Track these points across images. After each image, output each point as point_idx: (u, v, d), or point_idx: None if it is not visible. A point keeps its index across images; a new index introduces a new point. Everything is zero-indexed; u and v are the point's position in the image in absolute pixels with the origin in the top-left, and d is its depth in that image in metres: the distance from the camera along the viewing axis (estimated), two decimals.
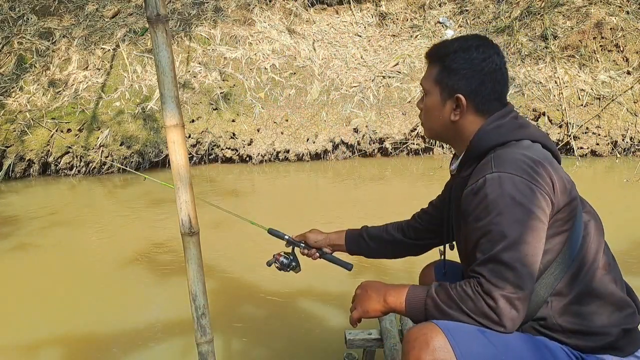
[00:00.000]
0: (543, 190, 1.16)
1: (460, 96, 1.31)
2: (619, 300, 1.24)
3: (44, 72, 6.35)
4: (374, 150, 6.29)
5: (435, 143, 6.23)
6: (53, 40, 6.66)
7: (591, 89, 6.19)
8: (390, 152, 6.27)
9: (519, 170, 1.17)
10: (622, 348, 1.22)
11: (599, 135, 6.03)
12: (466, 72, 1.31)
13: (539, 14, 6.91)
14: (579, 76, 6.31)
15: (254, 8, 7.25)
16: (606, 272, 1.26)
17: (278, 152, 6.15)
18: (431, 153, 6.32)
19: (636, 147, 6.01)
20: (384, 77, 6.62)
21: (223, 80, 6.45)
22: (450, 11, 7.44)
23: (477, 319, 1.11)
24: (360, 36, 7.31)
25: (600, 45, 6.47)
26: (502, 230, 1.13)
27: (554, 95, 6.20)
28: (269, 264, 1.81)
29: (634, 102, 6.11)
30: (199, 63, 6.55)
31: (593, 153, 6.08)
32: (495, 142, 1.27)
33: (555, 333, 1.22)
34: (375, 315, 1.30)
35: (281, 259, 1.77)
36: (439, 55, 1.36)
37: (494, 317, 1.10)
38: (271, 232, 1.87)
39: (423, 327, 1.14)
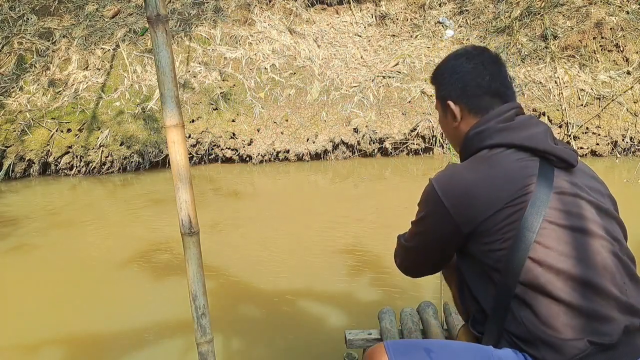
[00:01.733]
0: (447, 207, 1.24)
1: (449, 102, 1.37)
2: (587, 310, 1.14)
3: (44, 72, 6.35)
4: (374, 150, 6.29)
5: (435, 143, 6.23)
6: (53, 40, 6.66)
7: (591, 89, 6.19)
8: (390, 152, 6.27)
9: (439, 182, 1.27)
10: None
11: (599, 135, 6.04)
12: (449, 78, 1.38)
13: (539, 14, 6.91)
14: (579, 76, 6.31)
15: (254, 8, 7.25)
16: (570, 280, 1.16)
17: (278, 152, 6.15)
18: (431, 153, 6.32)
19: (636, 147, 6.01)
20: (384, 77, 6.62)
21: (223, 80, 6.45)
22: (450, 11, 7.45)
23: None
24: (360, 36, 7.31)
25: (600, 45, 6.47)
26: (411, 226, 1.39)
27: (554, 95, 6.20)
28: None
29: (634, 102, 6.11)
30: (199, 63, 6.55)
31: (593, 153, 6.08)
32: (474, 149, 1.31)
33: (525, 344, 1.17)
34: None
35: None
36: (433, 75, 1.45)
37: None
38: None
39: (373, 349, 1.27)
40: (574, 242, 1.19)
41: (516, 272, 1.17)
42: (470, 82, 1.34)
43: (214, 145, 6.16)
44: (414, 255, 1.43)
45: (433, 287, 2.81)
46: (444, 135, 1.57)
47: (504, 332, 1.21)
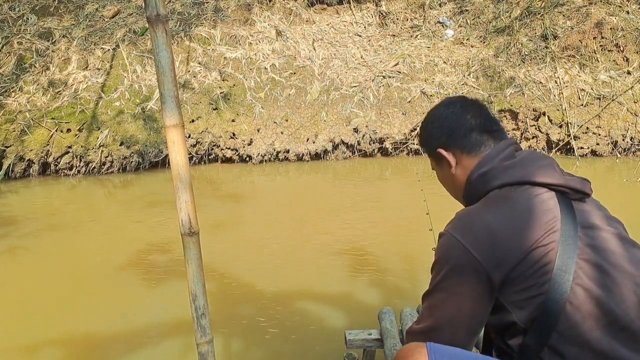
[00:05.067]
0: (475, 256, 1.11)
1: (440, 150, 1.34)
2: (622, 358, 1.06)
3: (43, 72, 6.34)
4: (374, 150, 6.28)
5: None
6: (53, 40, 6.66)
7: (591, 88, 6.19)
8: (390, 152, 6.27)
9: (458, 230, 1.15)
10: None
11: (599, 135, 6.03)
12: (433, 129, 1.36)
13: (539, 13, 6.91)
14: (579, 76, 6.31)
15: (254, 8, 7.25)
16: (609, 327, 1.07)
17: (278, 152, 6.15)
18: None
19: (636, 147, 6.01)
20: (384, 77, 6.61)
21: (223, 80, 6.44)
22: (450, 11, 7.44)
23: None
24: (360, 36, 7.31)
25: (601, 45, 6.47)
26: (427, 300, 1.20)
27: (554, 95, 6.19)
28: None
29: (634, 102, 6.11)
30: (199, 63, 6.54)
31: (593, 153, 6.08)
32: (481, 192, 1.23)
33: None
34: None
35: None
36: (419, 136, 1.45)
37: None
38: None
39: (414, 346, 1.16)
40: (610, 282, 1.09)
41: (553, 321, 1.07)
42: (454, 125, 1.32)
43: (213, 145, 6.15)
44: (437, 337, 1.17)
45: None
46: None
47: None
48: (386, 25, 7.42)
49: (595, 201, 1.25)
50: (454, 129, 1.31)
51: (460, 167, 1.31)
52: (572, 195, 1.18)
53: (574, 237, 1.10)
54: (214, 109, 6.22)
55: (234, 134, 6.15)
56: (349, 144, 6.21)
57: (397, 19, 7.42)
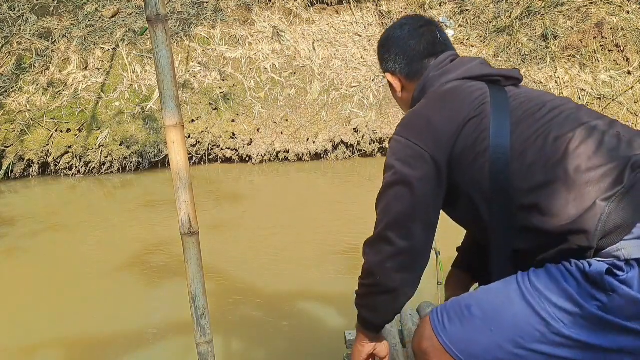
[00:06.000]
0: (416, 143, 1.20)
1: (387, 74, 1.45)
2: (583, 173, 1.05)
3: (43, 72, 6.34)
4: (374, 150, 6.28)
5: None
6: (52, 40, 6.65)
7: (592, 88, 6.19)
8: None
9: (401, 131, 1.25)
10: (625, 224, 1.00)
11: None
12: (384, 52, 1.44)
13: (539, 13, 6.90)
14: (580, 76, 6.30)
15: (253, 8, 7.25)
16: (556, 157, 1.08)
17: (278, 152, 6.15)
18: None
19: None
20: (384, 76, 6.61)
21: (223, 80, 6.44)
22: (450, 11, 7.44)
23: (364, 281, 1.32)
24: (360, 36, 7.31)
25: (601, 45, 6.46)
26: (380, 201, 1.29)
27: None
28: None
29: (635, 102, 6.10)
30: (199, 63, 6.54)
31: None
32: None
33: (552, 249, 1.08)
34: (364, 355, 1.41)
35: None
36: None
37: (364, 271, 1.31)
38: None
39: (421, 322, 1.24)
40: (547, 129, 1.12)
41: (508, 180, 1.12)
42: (400, 51, 1.40)
43: (213, 145, 6.15)
44: (394, 234, 1.23)
45: (433, 288, 2.80)
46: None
47: (520, 262, 1.14)
48: (386, 25, 7.41)
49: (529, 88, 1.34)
50: (399, 54, 1.40)
51: (405, 91, 1.43)
52: (504, 82, 1.28)
53: (506, 104, 1.18)
54: (214, 109, 6.21)
55: (233, 134, 6.14)
56: (349, 144, 6.21)
57: (397, 18, 7.42)
